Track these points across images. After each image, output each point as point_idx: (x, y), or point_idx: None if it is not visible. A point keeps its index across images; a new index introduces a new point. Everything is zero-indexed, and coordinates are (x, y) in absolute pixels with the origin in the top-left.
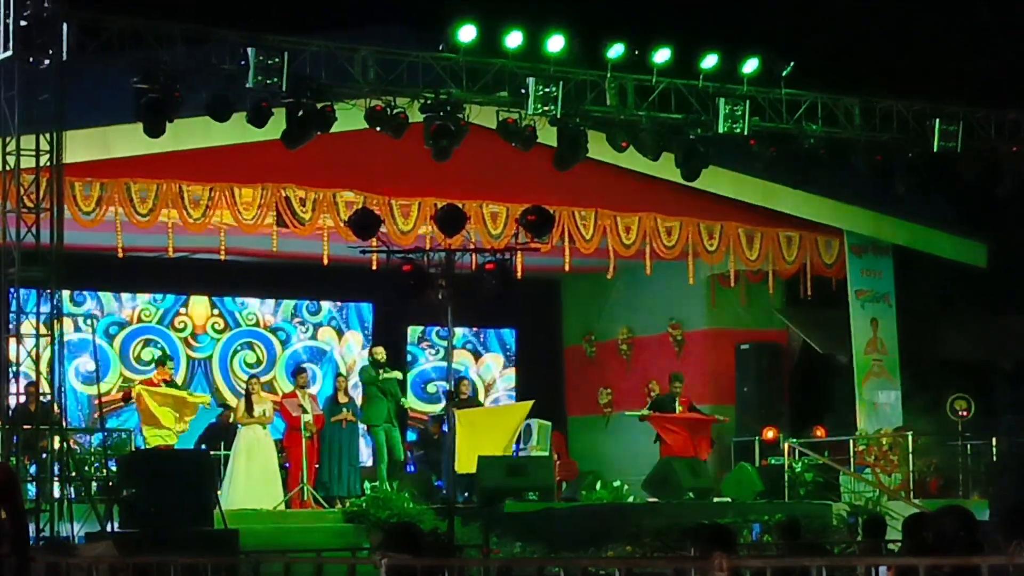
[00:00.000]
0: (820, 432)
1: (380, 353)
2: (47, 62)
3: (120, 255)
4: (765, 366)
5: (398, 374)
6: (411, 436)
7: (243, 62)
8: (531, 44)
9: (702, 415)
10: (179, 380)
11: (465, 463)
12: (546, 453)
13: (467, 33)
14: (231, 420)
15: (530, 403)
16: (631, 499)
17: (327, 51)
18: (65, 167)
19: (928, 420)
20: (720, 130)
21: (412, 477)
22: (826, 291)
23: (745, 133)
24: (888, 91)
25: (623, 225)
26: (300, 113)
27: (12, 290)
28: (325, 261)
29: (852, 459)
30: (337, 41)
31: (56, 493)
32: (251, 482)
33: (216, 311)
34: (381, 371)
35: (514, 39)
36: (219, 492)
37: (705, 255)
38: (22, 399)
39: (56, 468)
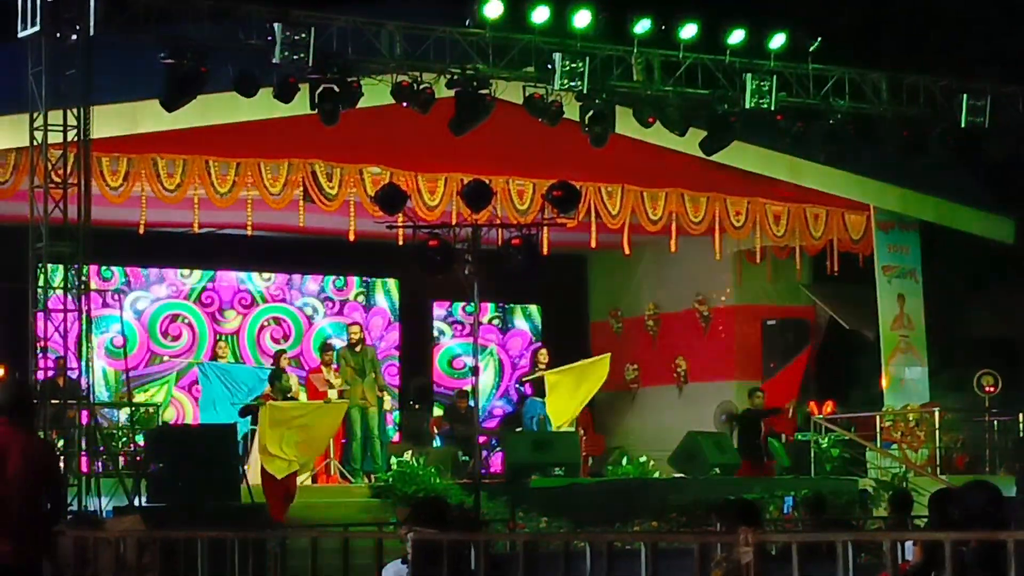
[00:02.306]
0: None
1: (354, 333)
2: (74, 37)
3: (146, 230)
4: (792, 342)
5: (371, 351)
6: (438, 411)
7: (270, 37)
8: (557, 19)
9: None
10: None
11: (558, 419)
12: (572, 428)
13: (494, 8)
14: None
15: (608, 355)
16: (657, 474)
17: (353, 26)
18: (92, 142)
19: (955, 396)
20: (747, 105)
21: (439, 452)
22: (853, 267)
23: (772, 108)
24: (916, 66)
25: (650, 201)
26: (326, 88)
27: (40, 265)
28: (351, 236)
29: (878, 435)
30: (363, 16)
31: (84, 467)
32: None
33: (243, 286)
34: (353, 350)
35: (540, 14)
36: (246, 467)
37: (732, 231)
38: (50, 374)
39: (84, 443)
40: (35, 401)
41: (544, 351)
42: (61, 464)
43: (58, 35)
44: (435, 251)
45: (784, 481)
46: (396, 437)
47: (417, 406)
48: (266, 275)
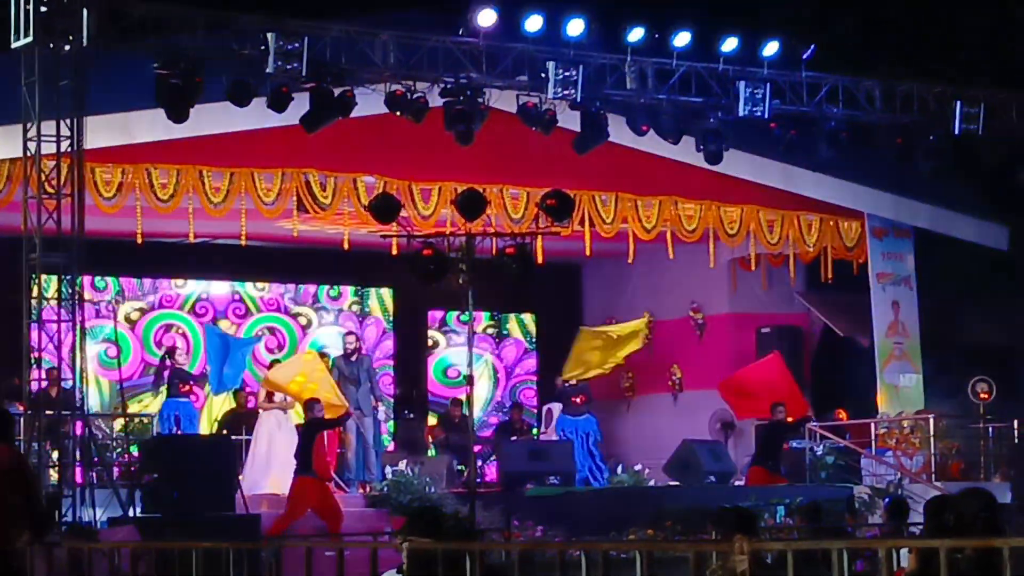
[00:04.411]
0: (842, 416)
1: (350, 342)
2: (67, 48)
3: (140, 241)
4: (786, 350)
5: (366, 360)
6: (432, 420)
7: (263, 47)
8: (551, 28)
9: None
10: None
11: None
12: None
13: (487, 17)
14: (253, 405)
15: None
16: (652, 483)
17: (347, 36)
18: (86, 153)
19: (949, 403)
20: (740, 113)
21: (433, 461)
22: (847, 274)
23: (766, 116)
24: (909, 73)
25: (644, 209)
26: (320, 98)
27: (33, 276)
28: (346, 246)
29: (873, 442)
30: (357, 26)
31: (78, 479)
32: (272, 467)
33: (237, 296)
34: (348, 359)
35: (534, 23)
36: (240, 477)
37: (726, 239)
38: (44, 384)
39: (78, 453)
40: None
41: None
42: (53, 476)
43: (51, 46)
44: (429, 260)
45: (779, 489)
46: (391, 446)
47: (411, 415)
48: (260, 285)
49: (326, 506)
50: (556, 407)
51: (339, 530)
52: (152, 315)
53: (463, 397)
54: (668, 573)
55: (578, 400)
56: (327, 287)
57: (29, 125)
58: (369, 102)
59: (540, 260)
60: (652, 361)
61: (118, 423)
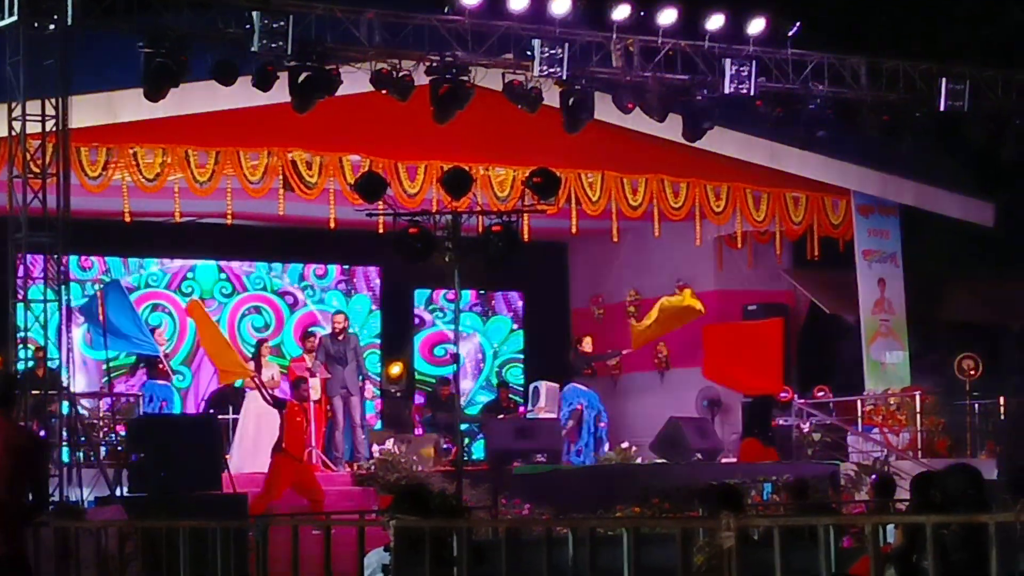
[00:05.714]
0: (821, 393)
1: (338, 322)
2: (52, 27)
3: (127, 220)
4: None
5: (353, 339)
6: (419, 399)
7: (248, 26)
8: (536, 6)
9: None
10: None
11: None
12: (554, 415)
13: None
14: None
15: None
16: (639, 460)
17: (332, 14)
18: (71, 132)
19: (936, 380)
20: (726, 91)
21: (421, 439)
22: (833, 252)
23: (751, 94)
24: (895, 50)
25: (630, 187)
26: (305, 77)
27: (19, 256)
28: (332, 224)
29: (860, 419)
30: (342, 4)
31: (65, 458)
32: (259, 446)
33: (223, 275)
34: (336, 339)
35: (519, 1)
36: (227, 456)
37: (712, 216)
38: (30, 364)
39: (65, 433)
40: (17, 391)
41: (589, 338)
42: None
43: (36, 25)
44: (415, 239)
45: (766, 466)
46: (378, 425)
47: (399, 394)
48: (247, 264)
49: (304, 485)
50: (542, 385)
51: (322, 509)
52: (138, 294)
53: (450, 375)
54: (655, 550)
55: (590, 371)
56: (314, 266)
57: (14, 104)
58: (354, 80)
59: (526, 238)
60: None
61: (104, 403)
